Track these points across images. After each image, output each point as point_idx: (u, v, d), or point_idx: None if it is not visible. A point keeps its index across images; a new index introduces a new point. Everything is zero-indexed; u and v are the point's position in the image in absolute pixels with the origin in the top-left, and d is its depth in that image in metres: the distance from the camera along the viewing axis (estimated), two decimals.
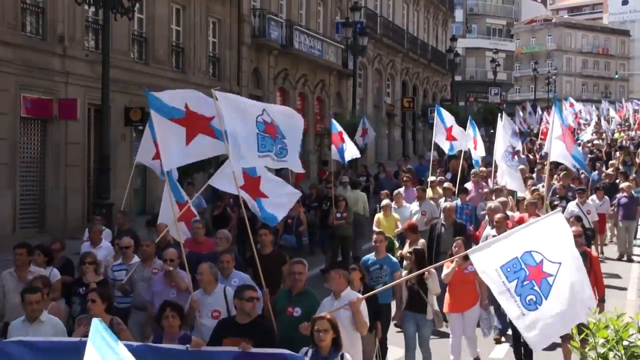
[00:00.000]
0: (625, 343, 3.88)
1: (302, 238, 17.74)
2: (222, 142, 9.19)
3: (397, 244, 13.79)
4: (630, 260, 18.81)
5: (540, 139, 36.76)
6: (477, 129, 20.35)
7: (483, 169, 21.07)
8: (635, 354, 3.84)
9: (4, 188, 17.97)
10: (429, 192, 18.17)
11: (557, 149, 15.60)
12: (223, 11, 27.43)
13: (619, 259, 18.91)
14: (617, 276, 16.72)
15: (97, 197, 17.62)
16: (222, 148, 9.28)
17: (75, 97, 19.48)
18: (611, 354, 3.89)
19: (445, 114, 19.87)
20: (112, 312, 8.41)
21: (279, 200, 11.11)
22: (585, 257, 10.06)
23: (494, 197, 16.21)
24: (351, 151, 20.40)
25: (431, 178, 19.52)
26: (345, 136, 20.35)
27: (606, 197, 19.03)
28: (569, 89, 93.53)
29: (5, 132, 17.97)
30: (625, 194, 19.14)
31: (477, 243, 12.73)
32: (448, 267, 10.39)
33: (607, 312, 4.10)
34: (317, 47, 33.45)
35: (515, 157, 21.41)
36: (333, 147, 19.92)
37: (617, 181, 21.42)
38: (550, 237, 7.00)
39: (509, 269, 6.86)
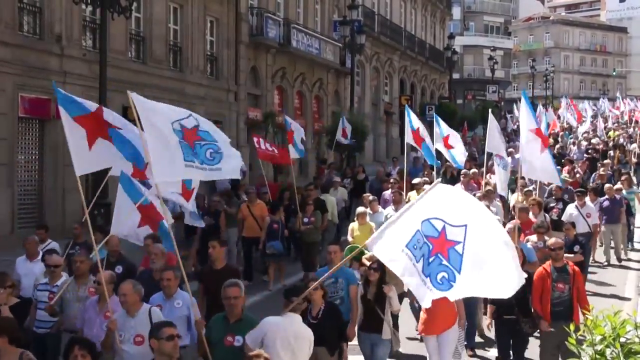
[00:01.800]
0: (622, 340, 3.89)
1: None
2: (120, 152, 8.45)
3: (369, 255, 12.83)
4: (616, 265, 17.96)
5: None
6: (443, 126, 19.15)
7: (475, 170, 20.32)
8: (632, 351, 3.85)
9: (3, 188, 17.96)
10: (414, 195, 17.05)
11: (530, 148, 13.95)
12: (220, 10, 27.42)
13: (608, 263, 18.12)
14: (613, 276, 16.59)
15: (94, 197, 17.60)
16: (123, 162, 8.54)
17: None
18: (608, 351, 3.90)
19: (413, 116, 18.85)
20: (32, 338, 7.60)
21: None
22: (567, 271, 9.62)
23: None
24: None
25: (416, 180, 18.47)
26: (294, 128, 19.12)
27: (599, 198, 18.02)
28: (567, 87, 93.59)
29: (3, 132, 17.96)
30: (607, 196, 18.16)
31: None
32: None
33: (604, 310, 4.11)
34: (314, 46, 33.44)
35: (509, 157, 20.82)
36: (290, 146, 18.71)
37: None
38: (446, 202, 6.32)
39: (415, 246, 6.13)
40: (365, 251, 11.22)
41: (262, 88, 30.37)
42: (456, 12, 71.04)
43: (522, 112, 13.60)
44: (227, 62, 27.82)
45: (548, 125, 45.04)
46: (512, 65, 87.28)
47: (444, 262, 5.97)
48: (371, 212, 14.90)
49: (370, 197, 15.95)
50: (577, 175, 21.95)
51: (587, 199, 17.38)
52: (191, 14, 25.63)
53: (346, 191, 21.42)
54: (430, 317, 9.28)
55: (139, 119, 7.90)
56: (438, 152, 19.81)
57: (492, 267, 5.92)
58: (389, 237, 6.31)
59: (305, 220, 16.20)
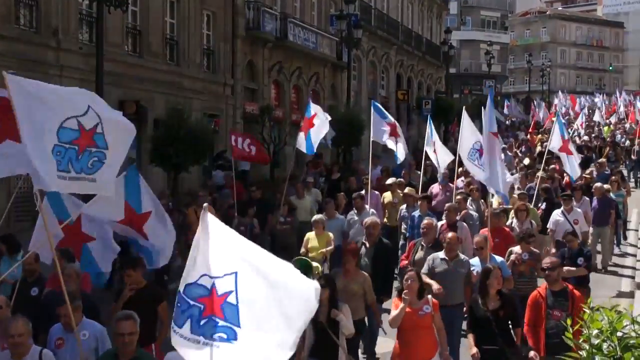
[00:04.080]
0: (618, 334, 3.91)
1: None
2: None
3: (320, 268, 10.65)
4: (605, 271, 16.53)
5: (529, 133, 36.53)
6: (434, 131, 17.50)
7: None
8: (628, 345, 3.87)
9: None
10: (388, 196, 16.30)
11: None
12: (217, 4, 27.37)
13: (603, 269, 16.61)
14: (606, 282, 15.51)
15: None
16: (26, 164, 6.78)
17: None
18: (605, 345, 3.91)
19: (382, 110, 16.95)
20: None
21: (160, 246, 8.90)
22: (565, 295, 8.26)
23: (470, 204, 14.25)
24: (318, 136, 16.97)
25: (389, 180, 17.11)
26: (320, 119, 17.18)
27: (585, 197, 16.63)
28: (563, 81, 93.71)
29: None
30: (596, 196, 16.78)
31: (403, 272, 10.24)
32: (396, 306, 8.07)
33: (602, 304, 4.13)
34: (311, 40, 33.40)
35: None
36: (301, 134, 16.87)
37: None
38: (212, 252, 5.08)
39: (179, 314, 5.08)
40: (313, 263, 10.09)
41: (259, 82, 30.34)
42: (453, 6, 70.91)
43: (486, 112, 12.01)
44: (223, 55, 27.79)
45: (543, 121, 45.17)
46: (509, 60, 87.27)
47: (220, 322, 4.98)
48: (326, 217, 13.46)
49: (359, 195, 14.35)
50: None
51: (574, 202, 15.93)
52: (188, 8, 25.58)
53: (320, 192, 19.43)
54: (407, 348, 8.06)
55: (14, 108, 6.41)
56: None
57: (274, 316, 4.98)
58: None
59: (282, 219, 15.21)
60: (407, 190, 15.51)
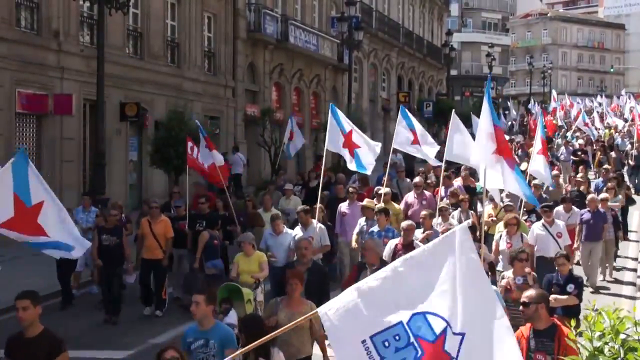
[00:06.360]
0: (621, 336, 3.90)
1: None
2: None
3: (252, 295, 9.54)
4: (596, 291, 14.58)
5: (529, 135, 36.10)
6: (413, 120, 15.64)
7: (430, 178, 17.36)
8: (631, 347, 3.85)
9: None
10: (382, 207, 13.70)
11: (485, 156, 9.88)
12: (218, 6, 27.39)
13: (594, 290, 14.56)
14: (604, 301, 14.73)
15: (92, 192, 17.59)
16: None
17: (70, 93, 19.46)
18: (607, 347, 3.90)
19: (343, 117, 14.02)
20: None
21: (66, 239, 7.61)
22: (551, 335, 6.83)
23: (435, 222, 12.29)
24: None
25: (385, 190, 14.77)
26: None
27: (575, 209, 15.41)
28: (565, 83, 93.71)
29: (0, 127, 17.94)
30: (588, 209, 15.15)
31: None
32: None
33: (604, 306, 4.11)
34: (312, 42, 33.42)
35: None
36: (206, 150, 15.90)
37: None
38: (462, 279, 4.09)
39: (386, 343, 4.04)
40: (244, 289, 9.09)
41: (260, 84, 30.35)
42: (454, 8, 70.94)
43: (484, 111, 9.95)
44: (224, 58, 27.80)
45: (544, 125, 44.93)
46: (510, 62, 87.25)
47: None
48: (274, 233, 12.06)
49: (304, 209, 12.57)
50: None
51: (561, 207, 15.17)
52: (189, 10, 25.59)
53: (300, 201, 17.56)
54: None
55: None
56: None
57: None
58: (357, 315, 4.13)
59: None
60: (365, 202, 13.66)
